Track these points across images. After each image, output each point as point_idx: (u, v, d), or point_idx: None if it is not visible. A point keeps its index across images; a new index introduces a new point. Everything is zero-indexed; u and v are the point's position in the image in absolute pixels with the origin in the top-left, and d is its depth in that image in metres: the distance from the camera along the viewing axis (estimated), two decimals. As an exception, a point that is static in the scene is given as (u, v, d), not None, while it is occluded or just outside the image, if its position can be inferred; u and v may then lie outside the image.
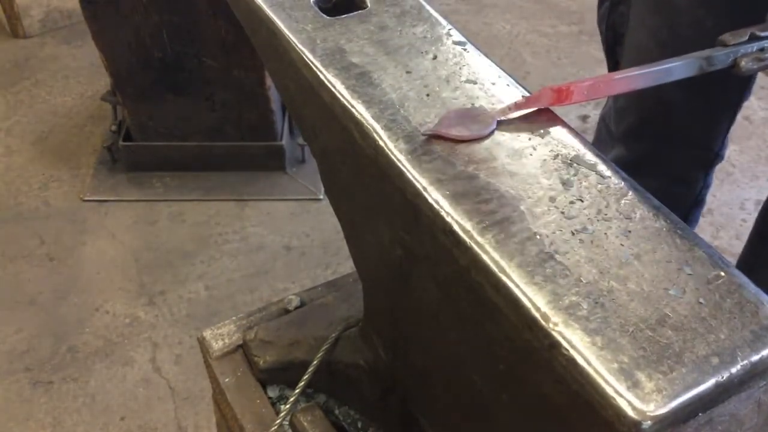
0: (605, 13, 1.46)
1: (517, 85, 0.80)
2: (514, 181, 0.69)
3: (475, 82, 0.80)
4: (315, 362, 1.05)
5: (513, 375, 0.66)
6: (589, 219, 0.66)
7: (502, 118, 0.75)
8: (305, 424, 1.04)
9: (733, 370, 0.55)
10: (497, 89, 0.79)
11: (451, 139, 0.73)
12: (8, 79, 2.90)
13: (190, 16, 2.14)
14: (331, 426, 1.05)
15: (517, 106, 0.75)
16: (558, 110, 0.77)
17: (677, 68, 0.83)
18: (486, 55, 0.84)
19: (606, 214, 0.66)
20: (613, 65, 1.52)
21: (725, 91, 1.40)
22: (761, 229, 1.61)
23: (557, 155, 0.72)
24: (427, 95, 0.78)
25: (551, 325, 0.58)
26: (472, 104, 0.77)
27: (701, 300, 0.60)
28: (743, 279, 0.62)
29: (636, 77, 0.80)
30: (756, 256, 1.58)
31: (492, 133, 0.74)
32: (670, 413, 0.53)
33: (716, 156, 1.53)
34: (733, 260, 1.64)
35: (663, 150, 1.46)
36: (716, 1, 1.25)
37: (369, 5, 0.89)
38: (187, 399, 1.90)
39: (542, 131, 0.74)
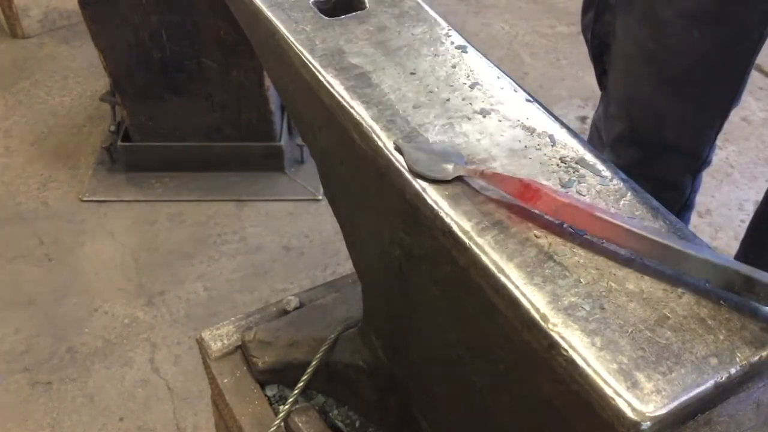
0: (590, 22, 1.46)
1: (517, 86, 0.80)
2: (514, 182, 0.69)
3: (474, 83, 0.80)
4: (314, 363, 1.05)
5: (512, 376, 0.66)
6: (588, 220, 0.66)
7: (465, 176, 0.70)
8: (300, 424, 1.04)
9: (732, 371, 0.55)
10: (496, 90, 0.79)
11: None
12: (7, 80, 2.89)
13: (190, 16, 2.14)
14: (326, 427, 1.05)
15: (482, 175, 0.69)
16: (557, 110, 0.77)
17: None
18: (485, 56, 0.84)
19: (605, 215, 0.66)
20: (601, 73, 1.52)
21: (716, 98, 1.40)
22: (754, 235, 1.61)
23: (556, 156, 0.72)
24: (426, 96, 0.78)
25: (550, 326, 0.58)
26: (450, 148, 0.73)
27: (700, 301, 0.60)
28: (742, 280, 0.62)
29: (618, 230, 0.63)
30: (749, 261, 1.58)
31: (450, 181, 0.70)
32: (669, 414, 0.53)
33: (704, 161, 1.53)
34: (732, 261, 1.63)
35: (652, 157, 1.47)
36: (703, 14, 1.25)
37: (368, 6, 0.89)
38: (186, 399, 1.90)
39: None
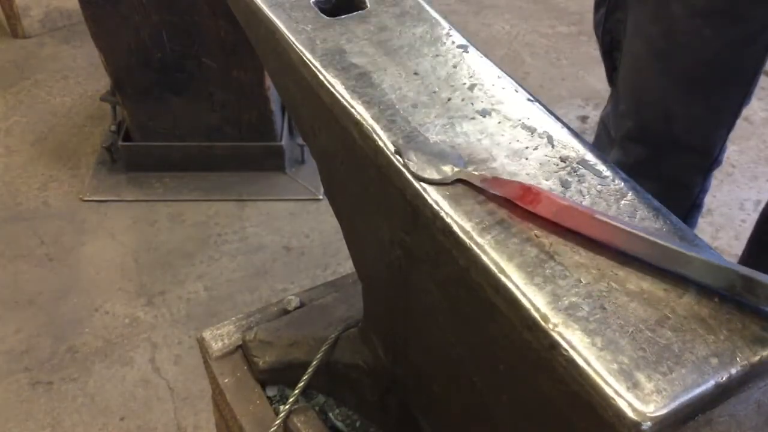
0: (601, 19, 1.46)
1: (518, 86, 0.80)
2: (514, 182, 0.69)
3: (474, 83, 0.80)
4: (314, 363, 1.05)
5: (513, 376, 0.65)
6: (588, 220, 0.66)
7: (464, 179, 0.70)
8: (299, 425, 1.04)
9: (733, 371, 0.55)
10: (497, 90, 0.79)
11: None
12: (7, 80, 2.90)
13: (190, 16, 2.14)
14: (324, 427, 1.05)
15: (482, 179, 0.69)
16: (557, 110, 0.77)
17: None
18: (485, 56, 0.84)
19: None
20: (611, 70, 1.52)
21: (727, 98, 1.39)
22: (759, 235, 1.61)
23: (557, 156, 0.72)
24: (427, 96, 0.78)
25: (551, 326, 0.58)
26: (450, 149, 0.72)
27: (701, 301, 0.60)
28: (743, 280, 0.62)
29: (618, 232, 0.63)
30: (756, 262, 1.58)
31: (447, 184, 0.69)
32: (669, 414, 0.53)
33: (715, 161, 1.52)
34: (733, 261, 1.63)
35: (662, 155, 1.46)
36: (714, 12, 1.25)
37: (369, 6, 0.89)
38: (187, 399, 1.90)
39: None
